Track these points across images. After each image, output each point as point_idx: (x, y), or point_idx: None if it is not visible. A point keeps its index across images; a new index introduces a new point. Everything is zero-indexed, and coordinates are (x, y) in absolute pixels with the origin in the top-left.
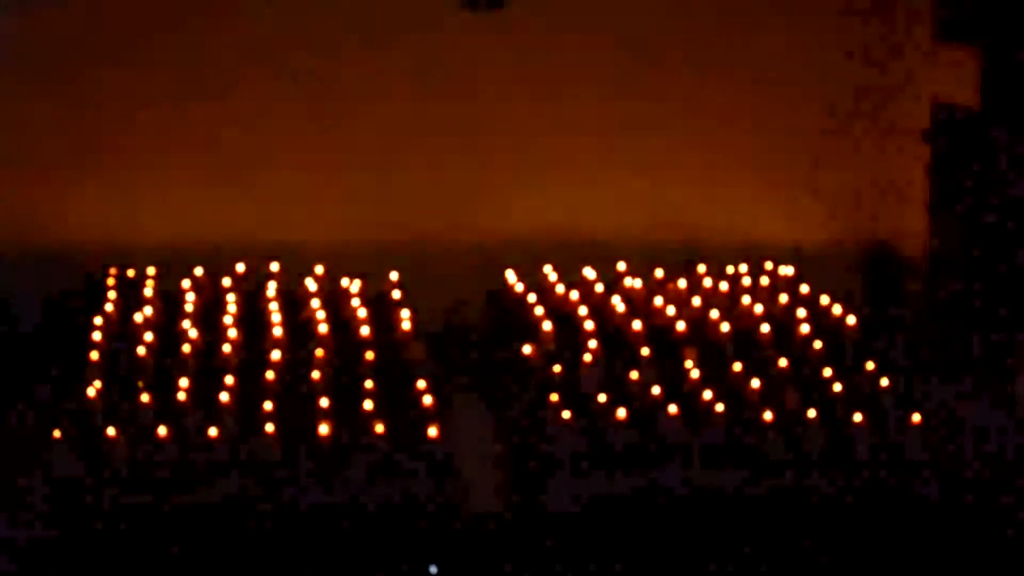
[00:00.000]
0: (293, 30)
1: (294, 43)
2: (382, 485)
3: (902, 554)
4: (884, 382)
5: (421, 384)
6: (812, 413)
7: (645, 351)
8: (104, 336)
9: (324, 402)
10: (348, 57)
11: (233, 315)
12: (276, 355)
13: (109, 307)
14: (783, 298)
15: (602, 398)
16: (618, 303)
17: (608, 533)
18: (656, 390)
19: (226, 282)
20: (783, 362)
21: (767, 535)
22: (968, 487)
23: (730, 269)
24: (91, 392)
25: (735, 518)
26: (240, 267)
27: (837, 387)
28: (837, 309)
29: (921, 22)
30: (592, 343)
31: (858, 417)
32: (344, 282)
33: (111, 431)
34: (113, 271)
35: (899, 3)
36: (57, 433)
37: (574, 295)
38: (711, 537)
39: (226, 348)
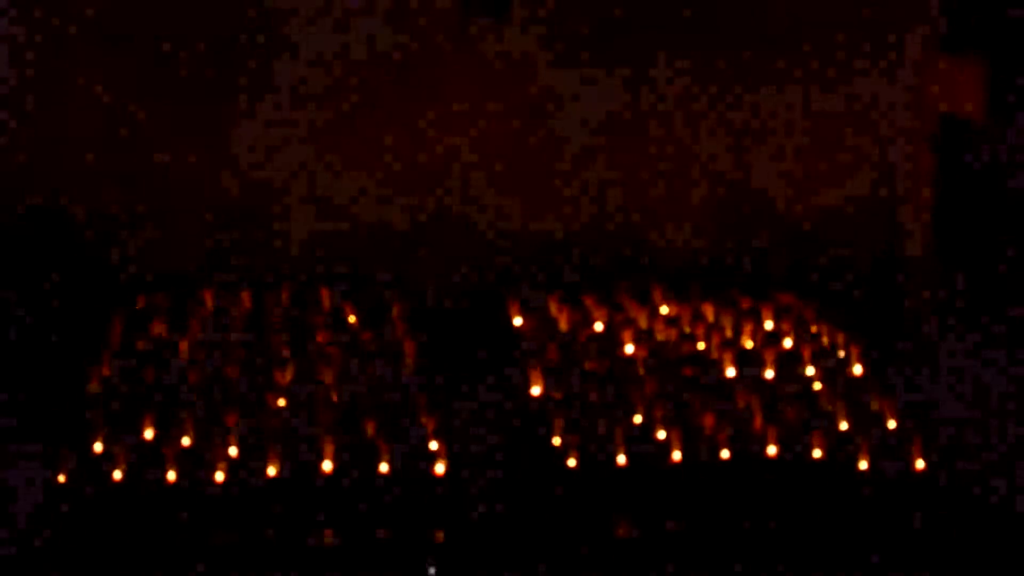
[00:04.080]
0: None
1: None
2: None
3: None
4: (891, 424)
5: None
6: (818, 453)
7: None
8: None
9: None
10: None
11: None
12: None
13: None
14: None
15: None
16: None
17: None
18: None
19: None
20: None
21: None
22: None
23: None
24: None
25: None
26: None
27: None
28: (841, 353)
29: (926, 32)
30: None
31: (863, 464)
32: None
33: (117, 474)
34: None
35: (904, 13)
36: (61, 478)
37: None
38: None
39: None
